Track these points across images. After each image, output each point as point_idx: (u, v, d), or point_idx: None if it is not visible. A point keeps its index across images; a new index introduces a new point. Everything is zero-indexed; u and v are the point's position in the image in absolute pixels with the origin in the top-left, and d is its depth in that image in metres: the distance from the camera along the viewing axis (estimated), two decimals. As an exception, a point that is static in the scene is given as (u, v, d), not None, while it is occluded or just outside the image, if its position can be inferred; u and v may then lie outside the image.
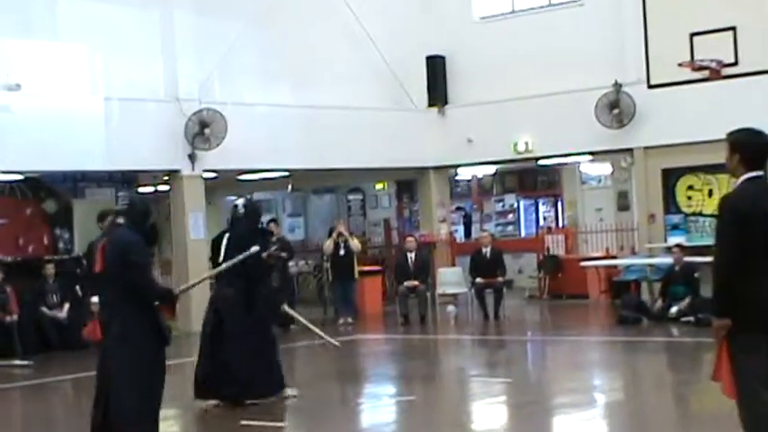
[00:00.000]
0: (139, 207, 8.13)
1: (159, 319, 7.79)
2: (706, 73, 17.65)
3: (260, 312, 10.38)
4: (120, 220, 8.29)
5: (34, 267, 16.51)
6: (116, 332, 7.76)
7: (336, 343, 11.96)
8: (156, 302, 7.79)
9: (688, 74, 17.70)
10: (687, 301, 15.55)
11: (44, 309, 15.96)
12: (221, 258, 10.21)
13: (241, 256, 9.55)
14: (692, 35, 17.65)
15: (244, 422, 8.93)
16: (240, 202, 10.93)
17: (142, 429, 7.73)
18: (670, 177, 18.58)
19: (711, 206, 18.02)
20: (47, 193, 17.69)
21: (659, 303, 16.02)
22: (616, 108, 18.41)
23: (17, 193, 17.31)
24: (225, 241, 10.47)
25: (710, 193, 18.13)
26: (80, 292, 16.29)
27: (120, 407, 7.64)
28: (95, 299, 11.66)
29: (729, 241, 5.56)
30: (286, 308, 12.57)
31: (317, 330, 12.07)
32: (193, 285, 9.19)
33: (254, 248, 9.74)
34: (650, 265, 17.80)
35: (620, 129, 18.49)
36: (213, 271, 10.15)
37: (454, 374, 12.95)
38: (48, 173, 17.10)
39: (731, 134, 5.78)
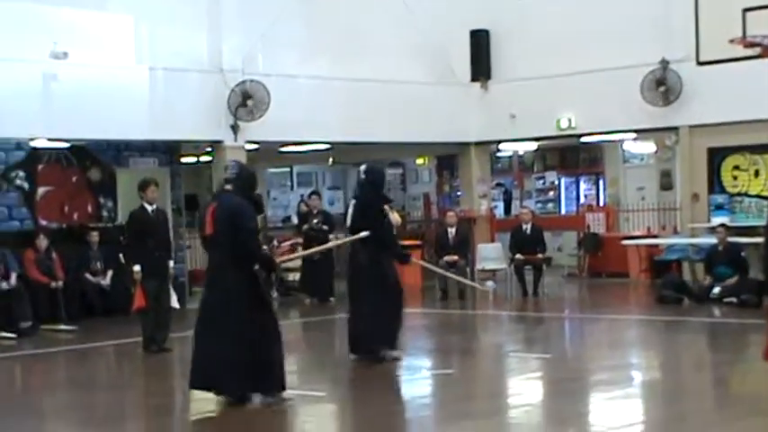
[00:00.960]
0: (247, 176, 8.66)
1: (261, 282, 8.39)
2: (758, 50, 17.34)
3: (387, 273, 10.98)
4: (228, 187, 8.62)
5: (79, 234, 16.73)
6: (221, 293, 8.34)
7: (488, 288, 12.64)
8: (257, 267, 8.30)
9: (739, 51, 17.42)
10: (732, 281, 15.46)
11: (88, 275, 16.17)
12: (348, 223, 10.97)
13: (349, 239, 10.52)
14: (745, 10, 17.32)
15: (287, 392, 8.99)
16: (362, 167, 11.30)
17: (244, 386, 8.47)
18: (715, 157, 18.36)
19: (757, 187, 17.85)
20: (91, 162, 17.86)
21: (707, 281, 15.94)
22: (662, 85, 18.21)
23: (63, 161, 17.49)
24: (351, 208, 11.06)
25: (756, 174, 17.91)
26: (123, 260, 16.48)
27: (225, 360, 8.32)
28: (137, 267, 11.83)
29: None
30: (422, 263, 13.45)
31: (465, 280, 13.71)
32: (293, 259, 9.58)
33: (364, 234, 10.41)
34: (693, 245, 17.69)
35: (666, 107, 18.29)
36: (314, 249, 10.54)
37: (492, 350, 12.97)
38: (92, 141, 17.25)
39: None
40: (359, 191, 11.30)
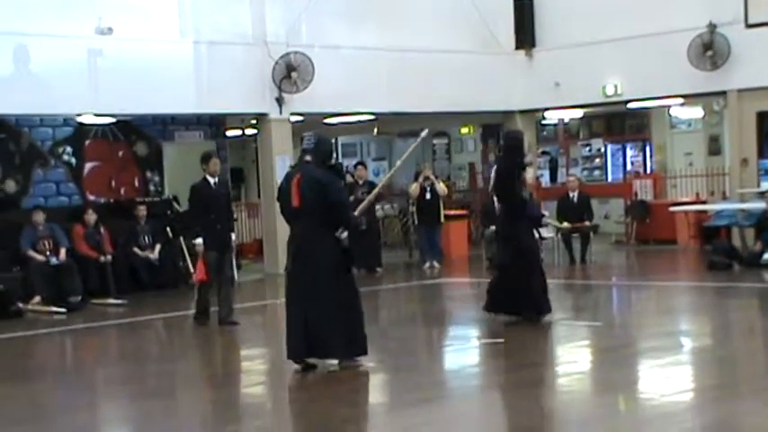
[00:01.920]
0: (325, 146, 8.98)
1: (345, 246, 8.75)
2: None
3: (522, 240, 11.05)
4: (308, 158, 8.90)
5: (126, 209, 16.87)
6: (311, 262, 8.71)
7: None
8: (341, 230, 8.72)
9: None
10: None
11: (136, 249, 16.29)
12: (490, 189, 11.46)
13: (387, 176, 11.06)
14: (796, -30, 17.07)
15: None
16: (503, 133, 11.33)
17: (343, 349, 8.78)
18: (765, 120, 18.11)
19: (807, 150, 17.60)
20: (138, 136, 17.98)
21: (758, 247, 15.76)
22: (710, 49, 17.96)
23: (109, 135, 17.63)
24: (493, 173, 11.26)
25: (807, 137, 17.69)
26: (170, 234, 16.62)
27: (326, 325, 8.67)
28: (199, 240, 11.79)
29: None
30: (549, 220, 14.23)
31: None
32: (366, 206, 9.73)
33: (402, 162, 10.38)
34: (742, 211, 17.48)
35: (714, 71, 18.05)
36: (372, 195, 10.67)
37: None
38: (138, 116, 17.36)
39: None
40: (498, 157, 11.45)
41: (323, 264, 8.72)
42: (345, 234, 8.77)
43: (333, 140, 9.37)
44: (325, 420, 7.55)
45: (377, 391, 8.73)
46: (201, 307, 12.11)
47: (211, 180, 11.97)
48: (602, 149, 24.96)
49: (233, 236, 12.35)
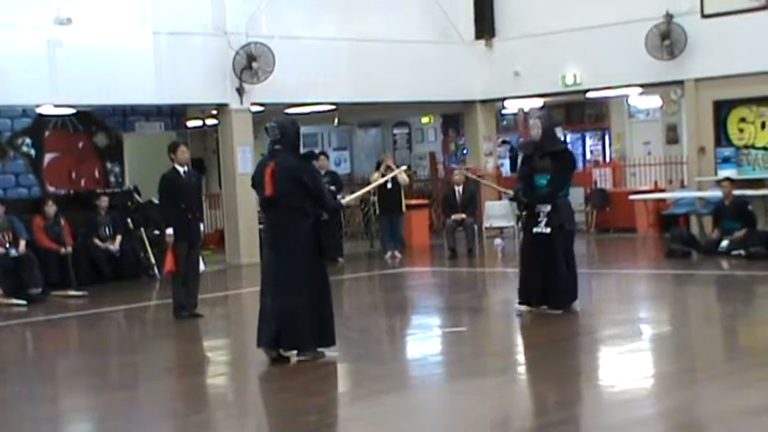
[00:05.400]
0: (290, 131, 8.84)
1: (321, 234, 8.74)
2: (762, 1, 17.30)
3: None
4: (278, 147, 8.86)
5: (87, 200, 16.76)
6: (285, 252, 8.68)
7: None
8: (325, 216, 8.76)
9: (743, 2, 17.38)
10: (740, 234, 15.47)
11: (97, 241, 16.20)
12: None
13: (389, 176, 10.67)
14: (750, -40, 17.27)
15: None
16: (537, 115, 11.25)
17: (315, 341, 8.81)
18: (721, 109, 18.33)
19: (763, 139, 17.84)
20: (98, 127, 17.87)
21: (715, 235, 15.96)
22: (667, 39, 18.15)
23: (69, 126, 17.50)
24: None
25: (763, 126, 17.88)
26: (131, 225, 16.55)
27: (297, 317, 8.68)
28: (170, 230, 11.65)
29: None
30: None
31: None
32: (355, 198, 9.75)
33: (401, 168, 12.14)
34: (700, 199, 17.69)
35: (671, 60, 18.24)
36: (368, 188, 10.41)
37: (501, 306, 13.00)
38: (98, 107, 17.25)
39: None
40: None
41: (297, 253, 8.68)
42: (326, 216, 8.83)
43: (294, 119, 9.28)
44: (290, 410, 7.58)
45: (341, 381, 8.76)
46: (177, 302, 11.95)
47: (181, 169, 11.77)
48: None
49: (201, 226, 12.23)
